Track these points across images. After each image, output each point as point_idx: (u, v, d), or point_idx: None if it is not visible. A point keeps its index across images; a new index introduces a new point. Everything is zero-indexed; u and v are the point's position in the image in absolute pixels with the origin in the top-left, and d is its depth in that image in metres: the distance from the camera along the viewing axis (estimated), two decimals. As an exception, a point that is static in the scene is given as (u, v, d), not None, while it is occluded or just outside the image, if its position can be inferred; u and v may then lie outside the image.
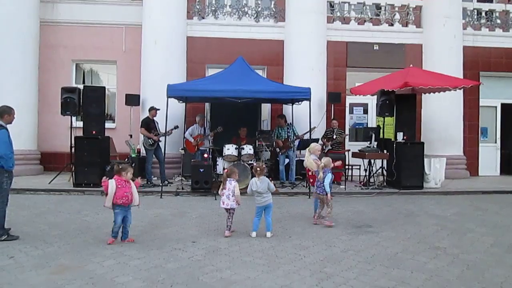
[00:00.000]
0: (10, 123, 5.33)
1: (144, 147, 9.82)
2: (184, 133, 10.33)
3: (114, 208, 5.03)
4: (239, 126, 10.21)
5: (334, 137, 10.54)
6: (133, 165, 9.98)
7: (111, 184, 4.98)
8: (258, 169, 5.71)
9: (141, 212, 6.81)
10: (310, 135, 9.38)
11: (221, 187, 5.69)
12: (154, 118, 9.89)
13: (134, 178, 5.30)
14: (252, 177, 8.72)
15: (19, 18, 10.89)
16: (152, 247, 4.95)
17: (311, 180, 6.83)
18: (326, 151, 10.55)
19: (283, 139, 10.13)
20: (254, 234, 5.50)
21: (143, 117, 10.35)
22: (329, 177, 6.12)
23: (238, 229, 5.72)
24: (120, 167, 5.16)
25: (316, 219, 6.30)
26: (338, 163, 6.78)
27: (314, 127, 9.58)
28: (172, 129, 9.50)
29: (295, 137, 10.11)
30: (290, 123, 10.34)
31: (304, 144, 9.88)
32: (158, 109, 9.66)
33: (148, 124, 9.76)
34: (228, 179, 5.62)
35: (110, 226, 5.93)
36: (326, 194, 6.13)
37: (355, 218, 6.80)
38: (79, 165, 9.06)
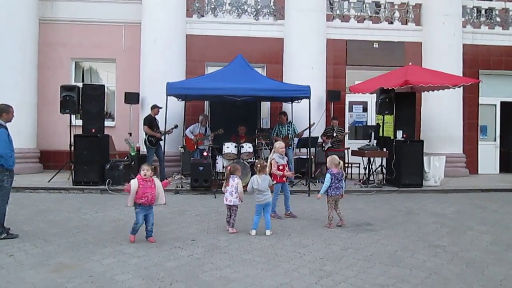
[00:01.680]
0: (9, 121, 5.32)
1: (146, 145, 9.78)
2: (184, 130, 10.31)
3: (135, 207, 5.02)
4: (239, 124, 10.20)
5: (334, 135, 10.53)
6: (133, 163, 10.02)
7: (133, 183, 4.97)
8: (258, 166, 5.70)
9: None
10: (310, 132, 9.36)
11: (224, 184, 5.69)
12: (156, 116, 9.87)
13: (165, 177, 5.25)
14: (251, 175, 8.75)
15: (18, 16, 10.86)
16: (152, 245, 4.95)
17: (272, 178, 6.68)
18: (326, 149, 10.56)
19: (283, 137, 10.12)
20: (254, 232, 5.50)
21: (143, 115, 10.34)
22: (328, 176, 6.05)
23: (237, 227, 5.71)
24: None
25: (339, 222, 6.15)
26: (289, 174, 6.75)
27: (313, 123, 9.57)
28: (172, 128, 9.48)
29: (294, 135, 10.10)
30: (290, 121, 10.33)
31: (303, 142, 9.89)
32: (161, 108, 9.57)
33: (151, 122, 9.72)
34: (231, 175, 5.62)
35: (109, 225, 5.98)
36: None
37: (355, 216, 6.81)
38: (79, 163, 9.05)
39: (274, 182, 6.54)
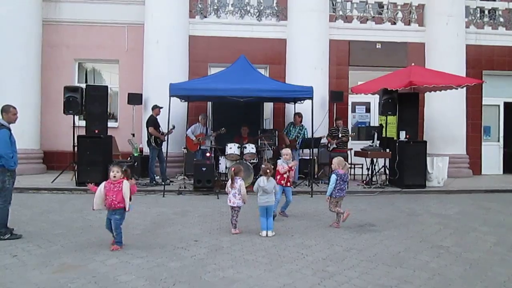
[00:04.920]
0: (13, 122, 5.31)
1: (151, 146, 9.71)
2: (186, 131, 10.32)
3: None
4: (241, 125, 10.20)
5: (340, 135, 10.49)
6: (136, 164, 10.02)
7: (100, 186, 4.83)
8: (268, 171, 5.67)
9: (144, 211, 6.86)
10: (312, 132, 9.34)
11: (228, 184, 5.69)
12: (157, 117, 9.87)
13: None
14: (254, 175, 8.76)
15: (21, 17, 10.90)
16: (155, 246, 4.96)
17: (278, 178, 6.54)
18: (331, 149, 10.54)
19: (291, 138, 10.12)
20: (264, 233, 5.47)
21: (146, 116, 10.33)
22: (333, 177, 6.05)
23: (240, 228, 5.71)
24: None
25: (339, 223, 6.12)
26: (293, 163, 6.63)
27: (325, 136, 9.95)
28: (171, 129, 9.46)
29: (302, 139, 10.03)
30: (303, 125, 10.27)
31: (306, 143, 9.86)
32: (161, 107, 9.61)
33: (155, 123, 9.68)
34: (236, 177, 5.62)
35: (112, 225, 5.98)
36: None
37: (358, 217, 6.80)
38: (82, 164, 9.07)
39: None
